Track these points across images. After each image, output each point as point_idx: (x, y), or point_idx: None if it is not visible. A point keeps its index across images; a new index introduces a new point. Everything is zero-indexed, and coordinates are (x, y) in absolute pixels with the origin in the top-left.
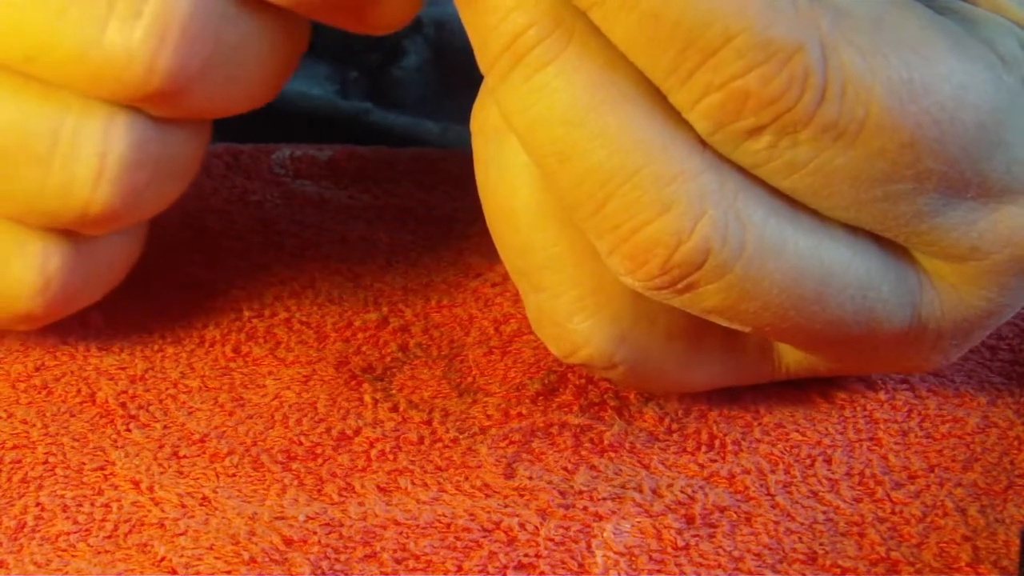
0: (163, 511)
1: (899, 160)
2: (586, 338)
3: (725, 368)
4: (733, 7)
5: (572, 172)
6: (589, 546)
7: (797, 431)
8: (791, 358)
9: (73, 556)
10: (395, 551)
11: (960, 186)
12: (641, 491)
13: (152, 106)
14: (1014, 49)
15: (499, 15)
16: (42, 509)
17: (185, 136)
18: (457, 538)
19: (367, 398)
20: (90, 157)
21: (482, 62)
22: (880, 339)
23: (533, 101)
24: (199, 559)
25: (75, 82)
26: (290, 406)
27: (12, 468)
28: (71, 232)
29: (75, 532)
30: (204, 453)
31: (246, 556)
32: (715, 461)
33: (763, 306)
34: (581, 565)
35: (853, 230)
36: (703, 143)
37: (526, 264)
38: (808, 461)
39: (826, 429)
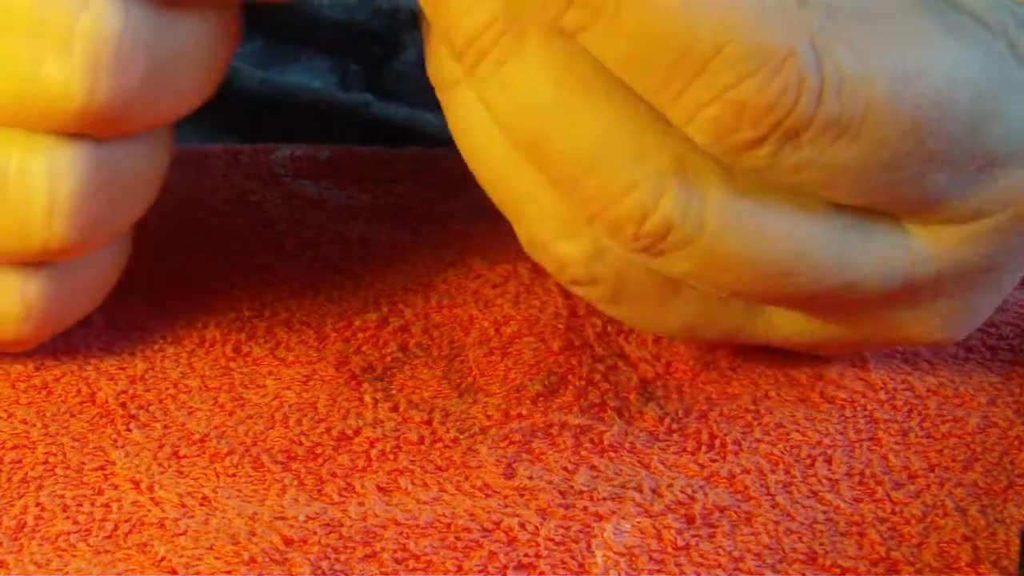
0: (163, 511)
1: (902, 147)
2: (569, 258)
3: (705, 318)
4: (720, 17)
5: (545, 157)
6: (589, 546)
7: (797, 431)
8: (781, 320)
9: (73, 556)
10: (395, 551)
11: (964, 161)
12: (641, 491)
13: (97, 130)
14: (1002, 16)
15: (456, 16)
16: (42, 509)
17: (141, 148)
18: (457, 538)
19: (367, 398)
20: (39, 195)
21: (451, 54)
22: (869, 302)
23: (502, 93)
24: (199, 559)
25: (17, 120)
26: (290, 406)
27: (12, 468)
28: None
29: (75, 532)
30: (204, 453)
31: (246, 556)
32: (715, 461)
33: (735, 277)
34: (581, 565)
35: (835, 206)
36: (667, 121)
37: (504, 197)
38: (808, 461)
39: (826, 429)
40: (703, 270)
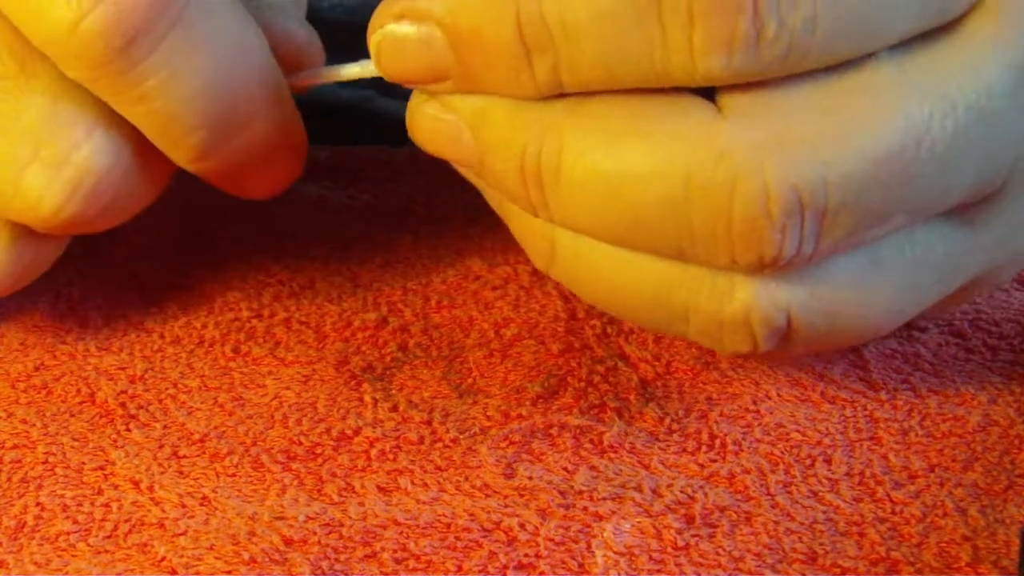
0: (163, 511)
1: None
2: (747, 307)
3: (913, 280)
4: None
5: (650, 226)
6: (589, 546)
7: (797, 431)
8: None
9: (73, 556)
10: (395, 551)
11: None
12: (641, 491)
13: (44, 231)
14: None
15: (499, 171)
16: (42, 509)
17: (53, 242)
18: (457, 538)
19: (367, 398)
20: None
21: (517, 203)
22: None
23: (579, 193)
24: (199, 559)
25: None
26: (290, 406)
27: (12, 468)
28: None
29: (75, 532)
30: (204, 453)
31: (246, 556)
32: (715, 461)
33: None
34: (581, 565)
35: None
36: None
37: (659, 313)
38: (808, 461)
39: (826, 429)
40: (858, 206)
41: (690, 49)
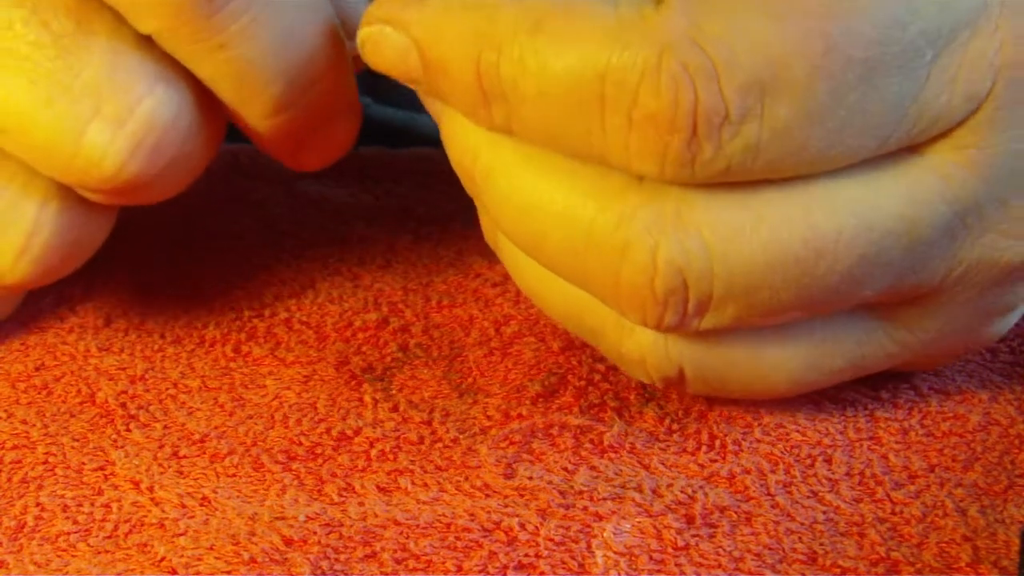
0: (163, 511)
1: (825, 87)
2: (641, 348)
3: (817, 356)
4: (584, 51)
5: (551, 254)
6: (589, 546)
7: (797, 431)
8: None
9: (73, 556)
10: (395, 551)
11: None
12: (641, 491)
13: (100, 196)
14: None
15: (453, 157)
16: (42, 509)
17: (102, 217)
18: (457, 538)
19: (367, 398)
20: (18, 235)
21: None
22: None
23: (503, 206)
24: (199, 559)
25: (39, 164)
26: (290, 406)
27: (12, 468)
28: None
29: (75, 532)
30: (204, 453)
31: (246, 556)
32: (715, 461)
33: (770, 292)
34: (581, 565)
35: None
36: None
37: (575, 325)
38: (808, 461)
39: (826, 429)
40: (746, 299)
41: (626, 148)
